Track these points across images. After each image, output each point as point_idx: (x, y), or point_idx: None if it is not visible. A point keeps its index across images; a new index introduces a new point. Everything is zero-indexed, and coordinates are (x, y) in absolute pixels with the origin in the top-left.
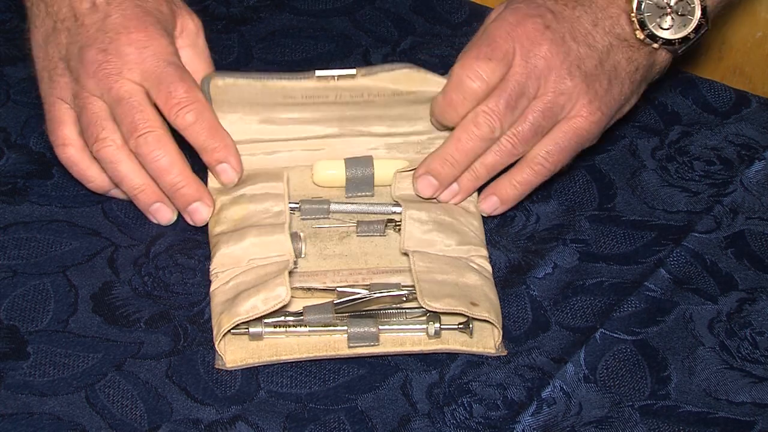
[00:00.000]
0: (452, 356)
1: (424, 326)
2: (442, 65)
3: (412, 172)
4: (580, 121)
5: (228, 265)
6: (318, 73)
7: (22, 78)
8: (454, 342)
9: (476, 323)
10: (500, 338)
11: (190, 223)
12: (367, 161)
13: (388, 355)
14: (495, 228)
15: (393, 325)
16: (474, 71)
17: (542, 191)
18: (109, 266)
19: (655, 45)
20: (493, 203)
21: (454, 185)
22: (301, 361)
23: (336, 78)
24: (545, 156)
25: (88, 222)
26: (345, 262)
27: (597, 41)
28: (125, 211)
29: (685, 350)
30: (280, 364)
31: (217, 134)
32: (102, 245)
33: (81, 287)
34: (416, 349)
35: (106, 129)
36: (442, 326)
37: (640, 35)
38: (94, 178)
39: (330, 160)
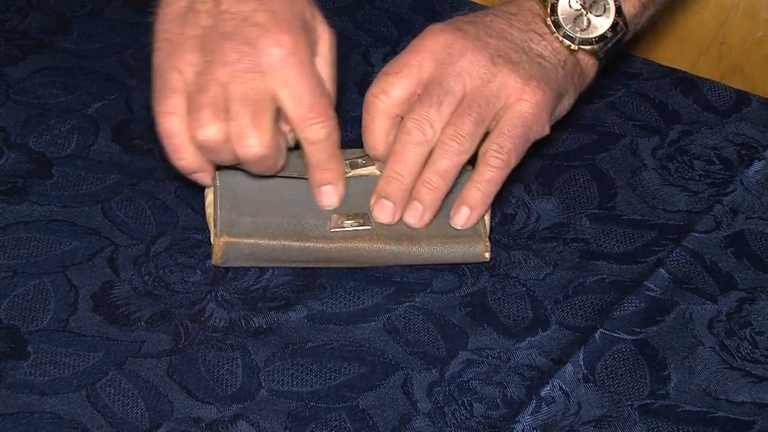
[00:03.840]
0: (452, 354)
1: None
2: None
3: None
4: (522, 105)
5: None
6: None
7: (22, 78)
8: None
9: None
10: (487, 242)
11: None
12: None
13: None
14: (496, 227)
15: None
16: (373, 88)
17: (543, 189)
18: (109, 266)
19: (574, 46)
20: (463, 213)
21: (416, 204)
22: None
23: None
24: (497, 150)
25: (88, 222)
26: None
27: (515, 36)
28: (125, 211)
29: (684, 350)
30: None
31: (334, 158)
32: (102, 245)
33: (81, 287)
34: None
35: (218, 119)
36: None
37: (558, 36)
38: (187, 156)
39: None
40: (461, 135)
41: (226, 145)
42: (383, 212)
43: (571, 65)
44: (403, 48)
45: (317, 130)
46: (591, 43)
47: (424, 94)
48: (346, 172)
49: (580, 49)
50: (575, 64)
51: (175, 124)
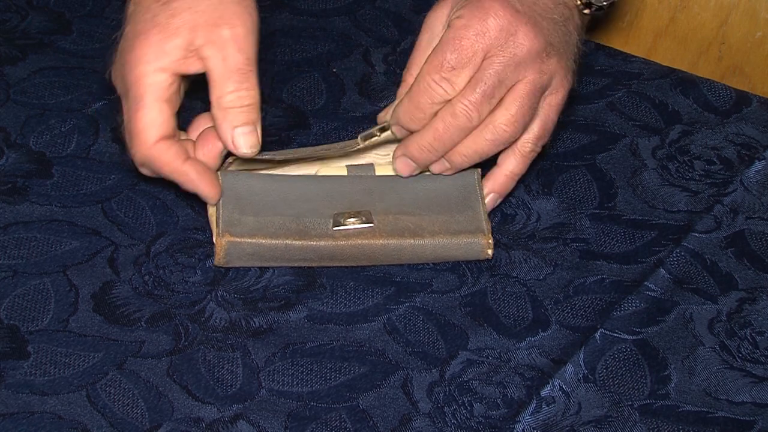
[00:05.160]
0: (452, 354)
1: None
2: None
3: None
4: (556, 97)
5: None
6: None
7: (22, 78)
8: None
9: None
10: (490, 238)
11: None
12: (368, 168)
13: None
14: (496, 226)
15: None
16: (440, 78)
17: (543, 189)
18: (110, 266)
19: (587, 11)
20: (493, 199)
21: (446, 162)
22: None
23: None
24: (534, 142)
25: (88, 222)
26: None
27: (555, 14)
28: (125, 211)
29: (685, 350)
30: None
31: (163, 171)
32: (102, 245)
33: (81, 287)
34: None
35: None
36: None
37: (578, 2)
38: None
39: (332, 166)
40: (512, 124)
41: None
42: (405, 168)
43: (581, 34)
44: (404, 48)
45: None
46: (602, 9)
47: (479, 80)
48: (357, 143)
49: (591, 12)
50: (582, 31)
51: None
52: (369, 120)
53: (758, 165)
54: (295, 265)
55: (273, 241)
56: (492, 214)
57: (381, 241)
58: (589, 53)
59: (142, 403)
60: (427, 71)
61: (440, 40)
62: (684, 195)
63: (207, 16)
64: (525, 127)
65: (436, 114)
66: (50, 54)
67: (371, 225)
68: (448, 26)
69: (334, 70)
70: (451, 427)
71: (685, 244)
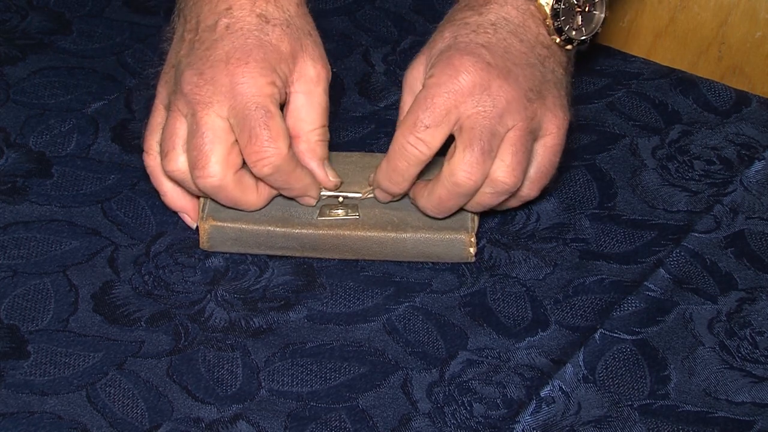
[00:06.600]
0: (452, 354)
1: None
2: None
3: None
4: (552, 138)
5: None
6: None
7: (22, 78)
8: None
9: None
10: (473, 237)
11: None
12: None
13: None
14: (496, 227)
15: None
16: (410, 137)
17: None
18: (110, 265)
19: (569, 47)
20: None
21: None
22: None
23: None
24: (530, 187)
25: (88, 221)
26: None
27: (530, 58)
28: (125, 210)
29: (684, 350)
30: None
31: (291, 180)
32: (102, 245)
33: (81, 287)
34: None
35: (176, 149)
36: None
37: (558, 40)
38: (165, 192)
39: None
40: (513, 175)
41: (189, 175)
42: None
43: (569, 66)
44: (403, 48)
45: (261, 168)
46: (585, 42)
47: (472, 141)
48: (338, 199)
49: (574, 47)
50: (569, 63)
51: (151, 163)
52: (369, 120)
53: (758, 165)
54: (280, 253)
55: (256, 227)
56: (491, 214)
57: (363, 233)
58: (588, 53)
59: (142, 403)
60: (401, 133)
61: (414, 100)
62: (684, 195)
63: None
64: (524, 174)
65: (415, 175)
66: (50, 54)
67: (356, 216)
68: (423, 86)
69: (334, 70)
70: (450, 427)
71: (685, 244)
